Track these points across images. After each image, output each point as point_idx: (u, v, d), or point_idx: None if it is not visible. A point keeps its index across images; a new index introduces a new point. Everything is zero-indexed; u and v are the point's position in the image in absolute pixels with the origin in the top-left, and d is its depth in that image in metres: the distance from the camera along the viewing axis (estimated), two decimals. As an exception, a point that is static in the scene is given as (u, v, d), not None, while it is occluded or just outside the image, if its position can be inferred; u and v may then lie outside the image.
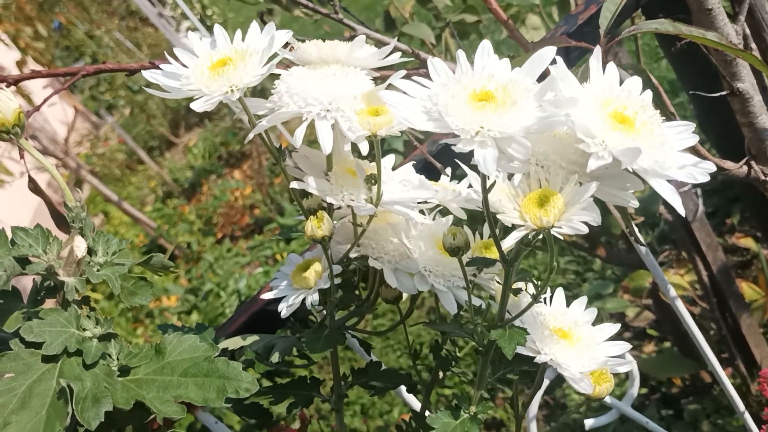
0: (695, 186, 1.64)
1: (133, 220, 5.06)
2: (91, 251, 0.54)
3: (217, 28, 0.64)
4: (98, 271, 0.54)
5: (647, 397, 2.21)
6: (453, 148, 0.48)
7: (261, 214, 4.73)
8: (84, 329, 0.50)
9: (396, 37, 0.79)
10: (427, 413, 0.83)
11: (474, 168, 0.48)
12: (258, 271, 4.10)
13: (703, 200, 2.58)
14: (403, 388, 0.83)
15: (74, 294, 0.51)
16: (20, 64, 3.97)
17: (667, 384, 2.21)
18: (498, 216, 0.51)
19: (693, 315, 2.00)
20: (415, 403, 1.01)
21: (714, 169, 0.50)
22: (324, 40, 0.67)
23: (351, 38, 0.67)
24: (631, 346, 0.69)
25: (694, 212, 1.61)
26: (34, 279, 0.55)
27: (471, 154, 0.48)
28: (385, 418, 2.72)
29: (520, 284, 0.66)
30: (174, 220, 5.20)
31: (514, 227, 0.52)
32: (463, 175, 0.75)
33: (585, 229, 0.47)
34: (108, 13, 6.53)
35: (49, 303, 0.54)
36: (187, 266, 4.60)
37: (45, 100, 0.85)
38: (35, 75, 0.80)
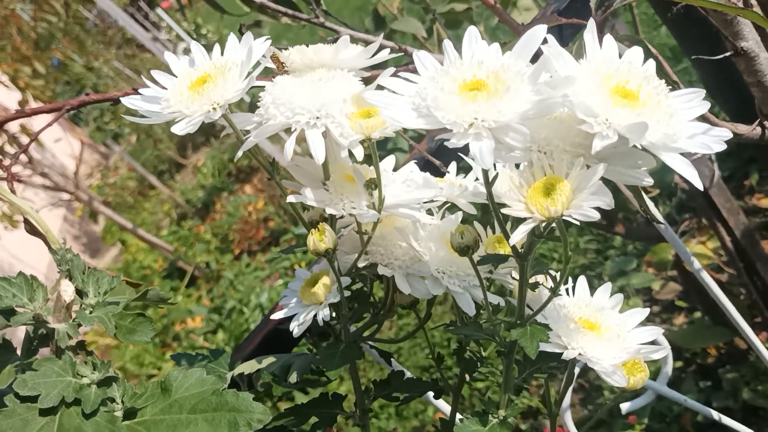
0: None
1: (150, 245, 5.08)
2: (81, 293, 0.52)
3: (194, 45, 0.61)
4: (90, 313, 0.51)
5: (683, 370, 2.17)
6: (446, 144, 0.45)
7: (276, 226, 4.72)
8: (81, 376, 0.48)
9: (386, 35, 0.76)
10: (458, 416, 0.81)
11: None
12: (278, 283, 4.09)
13: (718, 164, 2.53)
14: (430, 394, 0.80)
15: (67, 340, 0.49)
16: (22, 104, 3.99)
17: (702, 355, 2.17)
18: (502, 210, 0.49)
19: (721, 282, 1.96)
20: (445, 407, 0.98)
21: (729, 135, 0.47)
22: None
23: (335, 41, 0.65)
24: (662, 326, 0.65)
25: (711, 178, 1.57)
26: (26, 329, 0.53)
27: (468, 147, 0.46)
28: (420, 417, 2.70)
29: (540, 277, 0.63)
30: (190, 241, 5.20)
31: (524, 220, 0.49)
32: (470, 167, 0.72)
33: (596, 216, 0.44)
34: (104, 44, 6.55)
35: (44, 352, 0.52)
36: (208, 286, 4.60)
37: (38, 133, 0.83)
38: (19, 115, 0.78)
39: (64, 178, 4.72)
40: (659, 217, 1.04)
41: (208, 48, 0.63)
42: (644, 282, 2.31)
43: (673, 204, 2.60)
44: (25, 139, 3.97)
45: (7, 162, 0.75)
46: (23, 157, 4.26)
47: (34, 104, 4.05)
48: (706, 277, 1.11)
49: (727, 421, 1.16)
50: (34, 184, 4.49)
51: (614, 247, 2.79)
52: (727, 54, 0.82)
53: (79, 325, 0.50)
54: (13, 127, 3.91)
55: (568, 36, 0.90)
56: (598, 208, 0.45)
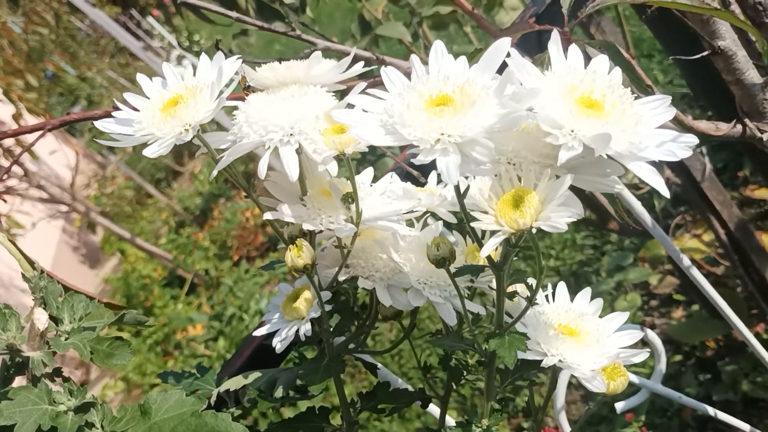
0: (699, 145, 1.60)
1: (149, 254, 5.07)
2: (56, 320, 0.52)
3: (166, 66, 0.61)
4: (66, 340, 0.51)
5: (682, 364, 2.17)
6: (412, 160, 0.45)
7: (274, 231, 4.71)
8: (58, 403, 0.48)
9: (372, 40, 0.76)
10: (448, 419, 0.81)
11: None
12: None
13: (711, 156, 2.53)
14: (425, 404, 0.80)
15: (42, 368, 0.49)
16: (16, 117, 3.98)
17: (700, 348, 2.16)
18: (472, 224, 0.49)
19: (717, 275, 1.96)
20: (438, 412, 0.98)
21: (696, 141, 0.47)
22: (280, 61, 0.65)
23: (309, 54, 0.65)
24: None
25: (702, 172, 1.57)
26: (2, 357, 0.53)
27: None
28: (422, 419, 2.70)
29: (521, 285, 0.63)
30: (189, 248, 5.20)
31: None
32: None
33: (565, 227, 0.44)
34: (97, 53, 6.54)
35: (20, 380, 0.52)
36: (208, 293, 4.60)
37: (20, 155, 0.83)
38: (2, 136, 0.78)
39: (60, 190, 4.72)
40: (646, 215, 1.04)
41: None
42: (641, 276, 2.31)
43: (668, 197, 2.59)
44: (18, 149, 3.97)
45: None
46: (19, 171, 4.26)
47: (28, 117, 4.05)
48: (697, 274, 1.10)
49: (722, 416, 1.16)
50: (31, 197, 4.49)
51: (611, 242, 2.79)
52: (705, 53, 0.82)
53: (54, 353, 0.50)
54: (8, 140, 3.90)
55: (547, 39, 0.90)
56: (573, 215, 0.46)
